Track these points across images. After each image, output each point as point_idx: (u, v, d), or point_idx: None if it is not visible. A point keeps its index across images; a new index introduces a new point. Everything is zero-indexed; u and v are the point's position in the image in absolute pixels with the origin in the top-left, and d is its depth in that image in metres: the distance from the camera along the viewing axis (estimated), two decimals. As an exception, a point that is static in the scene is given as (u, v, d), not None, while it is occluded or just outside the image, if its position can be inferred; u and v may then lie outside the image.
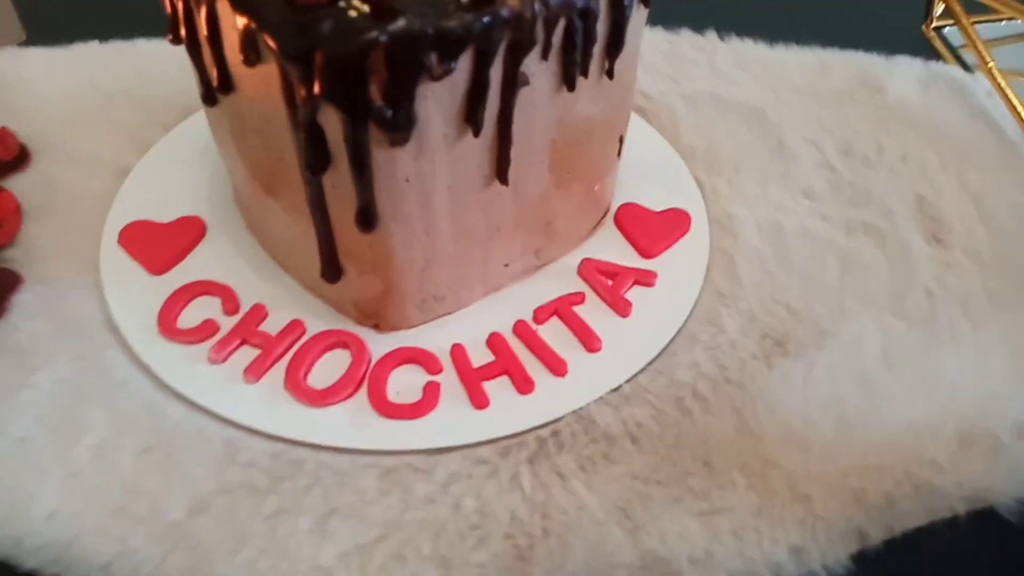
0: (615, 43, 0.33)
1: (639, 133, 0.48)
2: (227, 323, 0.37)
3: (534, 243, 0.39)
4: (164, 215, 0.41)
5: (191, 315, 0.37)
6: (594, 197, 0.41)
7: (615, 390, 0.35)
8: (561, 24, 0.30)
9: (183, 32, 0.32)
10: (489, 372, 0.35)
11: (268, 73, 0.29)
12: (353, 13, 0.27)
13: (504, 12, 0.28)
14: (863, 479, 0.32)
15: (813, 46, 0.56)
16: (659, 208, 0.43)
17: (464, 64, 0.29)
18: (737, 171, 0.46)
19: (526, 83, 0.31)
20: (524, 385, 0.35)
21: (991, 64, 0.50)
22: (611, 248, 0.41)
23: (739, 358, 0.36)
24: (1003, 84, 0.50)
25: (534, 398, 0.35)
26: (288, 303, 0.38)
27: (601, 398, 0.35)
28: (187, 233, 0.41)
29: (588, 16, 0.31)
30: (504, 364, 0.36)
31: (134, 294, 0.38)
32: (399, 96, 0.28)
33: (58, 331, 0.36)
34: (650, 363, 0.36)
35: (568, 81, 0.32)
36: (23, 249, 0.40)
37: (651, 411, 0.34)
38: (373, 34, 0.26)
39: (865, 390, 0.35)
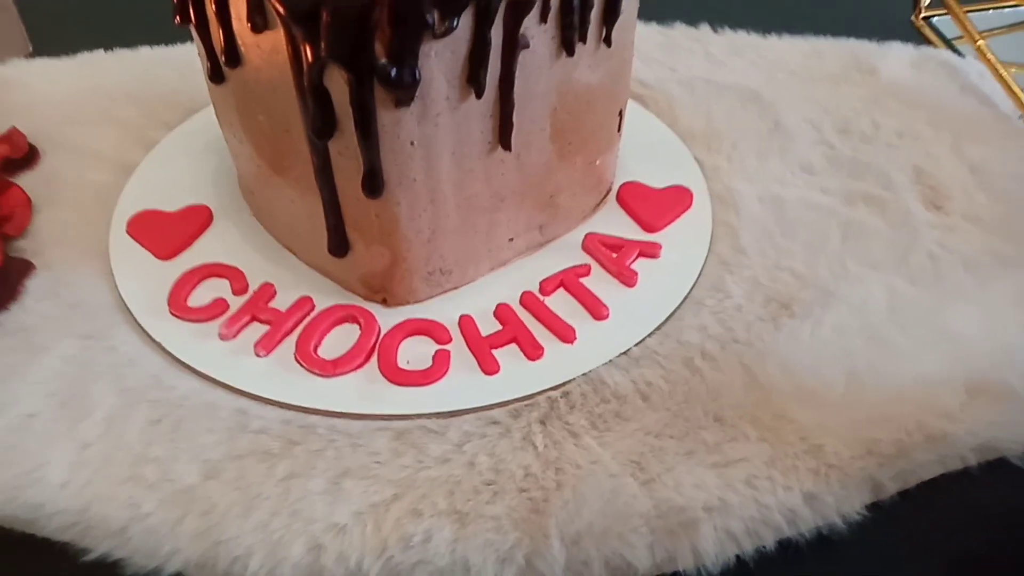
0: (612, 9, 0.34)
1: (638, 118, 0.49)
2: (236, 302, 0.37)
3: (538, 218, 0.39)
4: (171, 204, 0.42)
5: (201, 295, 0.37)
6: (596, 172, 0.41)
7: (624, 353, 0.35)
8: (559, -12, 0.31)
9: (191, 11, 0.33)
10: (498, 340, 0.35)
11: (275, 39, 0.30)
12: (357, -28, 0.27)
13: (502, -28, 0.29)
14: (875, 430, 0.32)
15: (806, 35, 0.58)
16: (661, 185, 0.44)
17: (465, 23, 0.29)
18: (736, 148, 0.47)
19: (526, 46, 0.32)
20: (533, 351, 0.35)
21: (981, 42, 0.51)
22: (615, 223, 0.42)
23: (745, 320, 0.37)
24: (994, 60, 0.51)
25: (543, 363, 0.35)
26: (296, 282, 0.38)
27: (611, 361, 0.35)
28: (194, 220, 0.41)
29: (585, -16, 0.32)
30: (512, 332, 0.36)
31: (143, 277, 0.38)
32: (403, 53, 0.29)
33: (67, 313, 0.36)
34: (658, 328, 0.36)
35: (567, 45, 0.33)
36: (34, 239, 0.40)
37: (660, 371, 0.34)
38: (376, -10, 0.27)
39: (873, 345, 0.35)
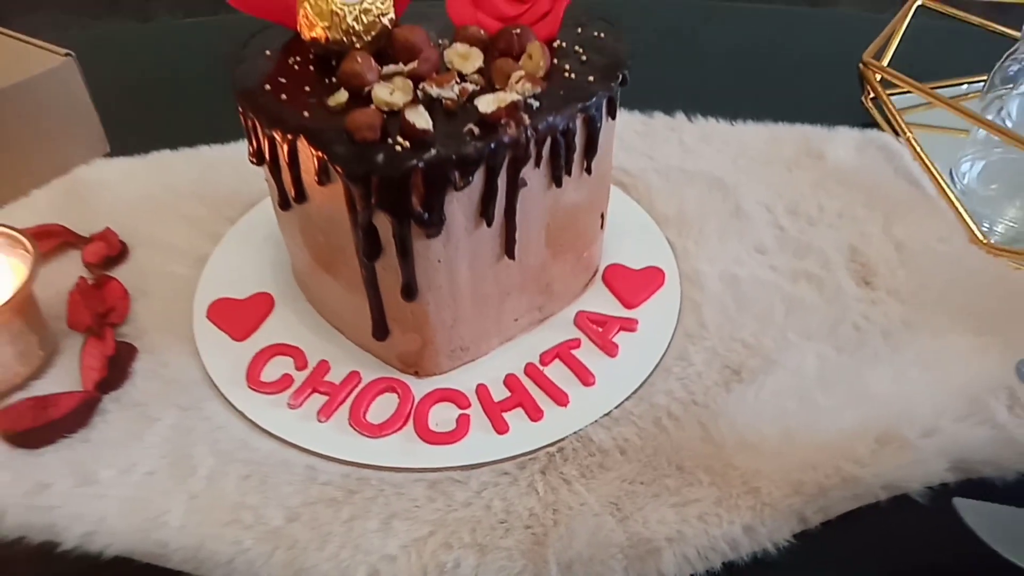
0: (591, 149, 0.44)
1: (621, 203, 0.58)
2: (299, 376, 0.47)
3: (537, 301, 0.49)
4: (240, 292, 0.52)
5: (271, 371, 0.47)
6: (584, 262, 0.51)
7: (607, 415, 0.44)
8: (548, 141, 0.41)
9: (267, 158, 0.43)
10: (507, 405, 0.45)
11: (335, 189, 0.40)
12: (398, 148, 0.37)
13: (506, 138, 0.39)
14: (802, 474, 0.41)
15: (767, 121, 0.67)
16: (638, 266, 0.53)
17: (478, 176, 0.39)
18: (702, 232, 0.56)
19: (524, 185, 0.41)
20: (535, 414, 0.44)
21: (909, 136, 0.61)
22: (600, 301, 0.51)
23: (704, 385, 0.46)
24: (919, 150, 0.60)
25: (543, 424, 0.44)
26: (345, 358, 0.48)
27: (596, 421, 0.44)
28: (260, 306, 0.51)
29: (568, 134, 0.41)
30: (519, 398, 0.45)
31: (224, 356, 0.48)
32: (433, 203, 0.38)
33: (168, 388, 0.46)
34: (634, 392, 0.46)
35: (556, 180, 0.43)
36: (133, 326, 0.50)
37: (635, 429, 0.44)
38: (413, 162, 0.37)
39: (803, 405, 0.45)
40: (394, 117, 0.39)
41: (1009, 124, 0.57)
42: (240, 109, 0.43)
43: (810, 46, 0.79)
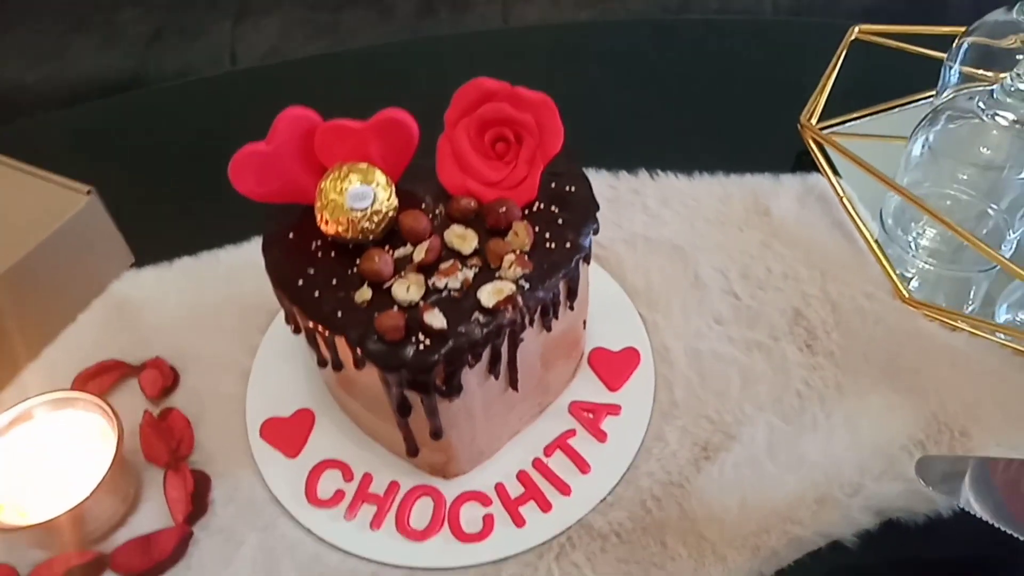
0: (572, 295, 0.53)
1: (597, 277, 0.67)
2: (349, 488, 0.57)
3: (537, 401, 0.59)
4: (284, 410, 0.61)
5: (325, 486, 0.57)
6: (573, 357, 0.61)
7: (603, 501, 0.55)
8: (539, 308, 0.50)
9: (303, 330, 0.51)
10: (522, 500, 0.56)
11: (371, 371, 0.49)
12: (421, 346, 0.46)
13: (505, 320, 0.48)
14: (757, 539, 0.53)
15: (718, 173, 0.76)
16: (618, 348, 0.63)
17: (486, 351, 0.48)
18: (668, 305, 0.66)
19: (522, 341, 0.51)
20: (545, 506, 0.55)
21: (841, 193, 0.70)
22: (588, 387, 0.61)
23: (678, 464, 0.57)
24: (849, 207, 0.70)
25: (552, 515, 0.55)
26: (384, 467, 0.58)
27: (594, 508, 0.55)
28: (304, 423, 0.60)
29: (555, 298, 0.50)
30: (531, 493, 0.56)
31: (283, 476, 0.58)
32: (451, 379, 0.48)
33: (244, 511, 0.56)
34: (623, 476, 0.57)
35: (547, 327, 0.52)
36: (200, 453, 0.59)
37: (626, 513, 0.55)
38: (435, 357, 0.46)
39: (756, 475, 0.56)
40: (414, 309, 0.47)
41: (926, 150, 0.66)
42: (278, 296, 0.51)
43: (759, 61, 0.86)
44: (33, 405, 0.56)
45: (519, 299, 0.48)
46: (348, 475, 0.58)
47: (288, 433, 0.60)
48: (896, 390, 0.60)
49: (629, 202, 0.74)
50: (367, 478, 0.57)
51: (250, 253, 0.72)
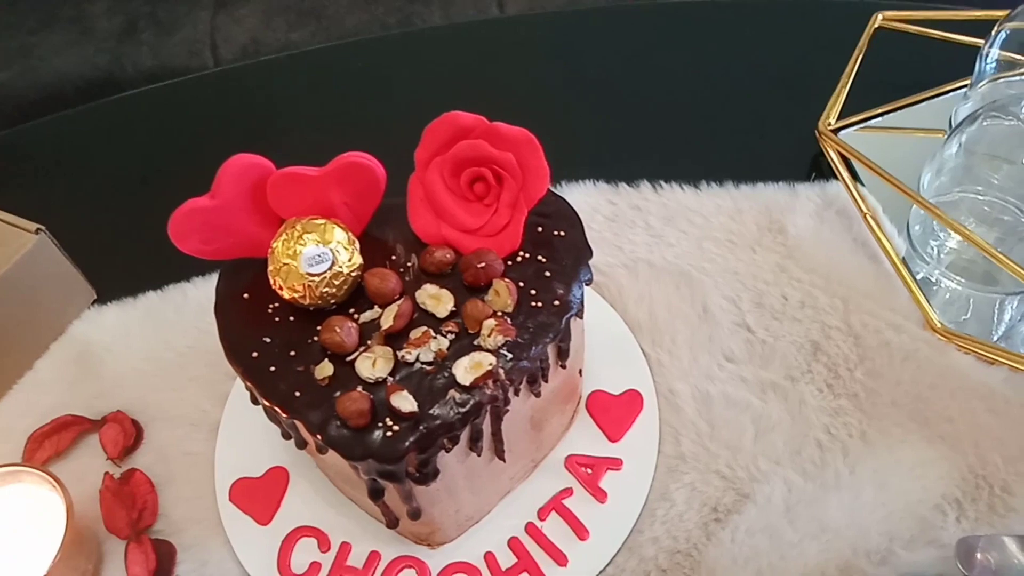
0: (563, 355, 0.47)
1: (595, 308, 0.61)
2: (325, 560, 0.52)
3: (530, 458, 0.53)
4: (255, 469, 0.56)
5: (299, 557, 0.52)
6: (569, 408, 0.55)
7: (602, 572, 0.50)
8: (524, 377, 0.44)
9: (267, 416, 0.46)
10: (514, 572, 0.51)
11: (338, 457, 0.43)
12: (389, 433, 0.41)
13: (484, 398, 0.42)
14: (774, 615, 0.48)
15: (727, 183, 0.69)
16: (618, 391, 0.57)
17: (464, 431, 0.43)
18: (674, 342, 0.60)
19: (507, 412, 0.45)
20: (539, 580, 0.50)
21: (866, 212, 0.63)
22: (586, 438, 0.56)
23: (686, 528, 0.52)
24: (875, 227, 0.63)
25: (548, 589, 0.50)
26: (363, 535, 0.53)
27: (593, 581, 0.50)
28: (277, 483, 0.55)
29: (543, 363, 0.44)
30: (524, 564, 0.51)
31: (254, 545, 0.53)
32: (425, 466, 0.42)
33: (212, 588, 0.52)
34: (624, 543, 0.51)
35: (536, 394, 0.46)
36: (165, 520, 0.55)
37: (628, 587, 0.50)
38: (404, 445, 0.40)
39: (773, 542, 0.50)
40: (381, 386, 0.42)
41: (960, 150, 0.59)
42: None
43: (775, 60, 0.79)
44: (-23, 481, 0.51)
45: (500, 372, 0.42)
46: (325, 545, 0.53)
47: (260, 495, 0.55)
48: (928, 439, 0.54)
49: (630, 220, 0.67)
50: (345, 548, 0.52)
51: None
